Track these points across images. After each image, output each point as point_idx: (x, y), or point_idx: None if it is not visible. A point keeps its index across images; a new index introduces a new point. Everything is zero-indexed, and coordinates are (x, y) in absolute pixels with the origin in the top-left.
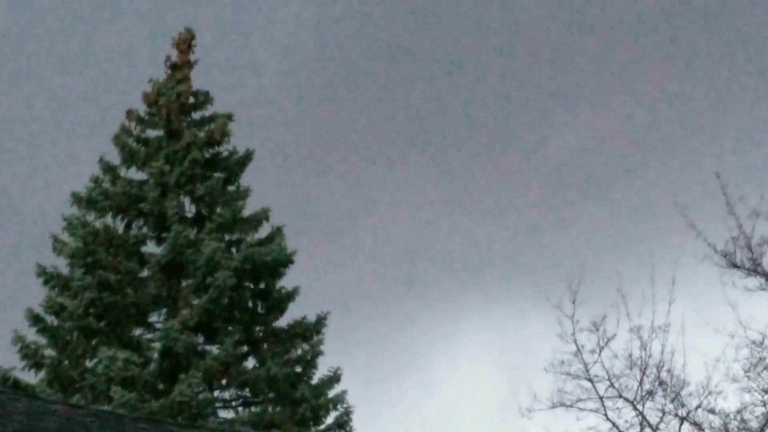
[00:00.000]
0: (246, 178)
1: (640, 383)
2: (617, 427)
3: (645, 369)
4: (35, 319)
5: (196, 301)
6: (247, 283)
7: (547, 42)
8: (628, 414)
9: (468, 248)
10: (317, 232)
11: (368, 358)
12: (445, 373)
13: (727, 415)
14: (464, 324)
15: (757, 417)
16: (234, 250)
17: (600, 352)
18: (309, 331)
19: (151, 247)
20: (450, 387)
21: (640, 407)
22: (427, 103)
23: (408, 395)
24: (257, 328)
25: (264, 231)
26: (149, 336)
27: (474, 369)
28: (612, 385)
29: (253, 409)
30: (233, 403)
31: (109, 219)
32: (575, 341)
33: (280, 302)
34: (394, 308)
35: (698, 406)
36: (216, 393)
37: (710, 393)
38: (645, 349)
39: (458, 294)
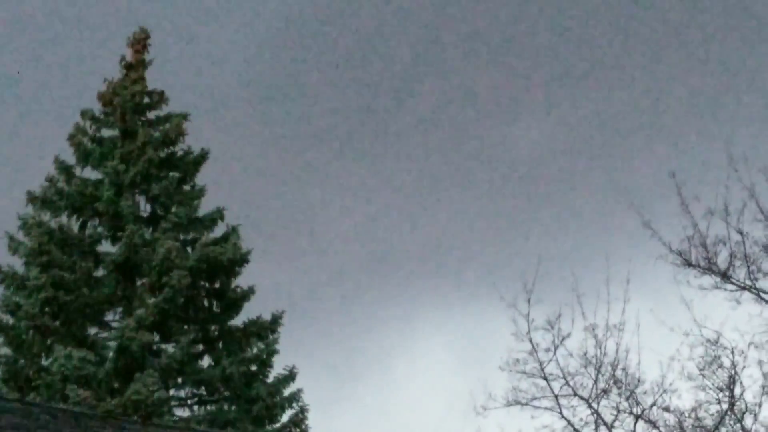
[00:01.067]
0: (201, 178)
1: (595, 381)
2: (572, 425)
3: (600, 367)
4: None
5: (151, 300)
6: (202, 283)
7: (512, 40)
8: (583, 412)
9: (426, 245)
10: (274, 230)
11: (326, 356)
12: (403, 370)
13: (682, 413)
14: (423, 321)
15: (712, 415)
16: (189, 249)
17: (555, 350)
18: (264, 330)
19: (106, 247)
20: (409, 385)
21: (595, 405)
22: (387, 99)
23: (367, 393)
24: (213, 327)
25: (219, 230)
26: (105, 335)
27: (433, 367)
28: (567, 383)
29: (208, 407)
30: (189, 402)
31: (64, 218)
32: (530, 340)
33: (235, 301)
34: (352, 306)
35: (653, 404)
36: (171, 391)
37: (665, 391)
38: (600, 348)
39: (416, 291)
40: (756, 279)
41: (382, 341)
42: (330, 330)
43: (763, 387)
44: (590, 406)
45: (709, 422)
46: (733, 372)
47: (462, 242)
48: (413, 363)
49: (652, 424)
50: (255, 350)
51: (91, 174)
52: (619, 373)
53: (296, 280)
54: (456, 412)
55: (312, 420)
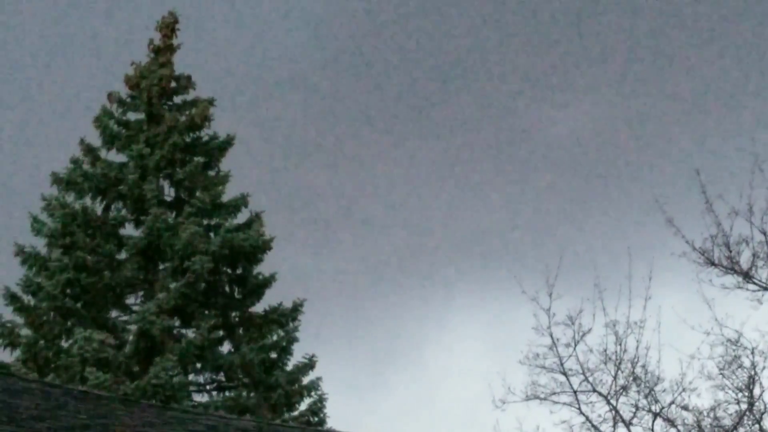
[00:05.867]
0: (226, 164)
1: (615, 378)
2: (590, 422)
3: (619, 364)
4: (12, 299)
5: (173, 285)
6: (224, 268)
7: (544, 33)
8: (602, 408)
9: (455, 233)
10: (302, 218)
11: (355, 345)
12: (436, 359)
13: (701, 413)
14: (455, 309)
15: (731, 415)
16: (212, 234)
17: (575, 346)
18: (285, 318)
19: (129, 230)
20: (440, 375)
21: (613, 402)
22: (414, 87)
23: (398, 381)
24: (233, 313)
25: (243, 217)
26: (125, 318)
27: (466, 356)
28: (586, 379)
29: (227, 393)
30: (207, 387)
31: (88, 200)
32: (551, 334)
33: (256, 288)
34: (382, 295)
35: (672, 403)
36: (191, 377)
37: (684, 390)
38: (620, 344)
39: (448, 279)
40: None
41: (413, 329)
42: (357, 318)
43: None
44: (609, 403)
45: (727, 422)
46: (752, 372)
47: (489, 232)
48: (446, 352)
49: (671, 422)
50: (275, 337)
51: (116, 157)
52: (638, 370)
53: (324, 267)
54: (487, 403)
55: (339, 406)
